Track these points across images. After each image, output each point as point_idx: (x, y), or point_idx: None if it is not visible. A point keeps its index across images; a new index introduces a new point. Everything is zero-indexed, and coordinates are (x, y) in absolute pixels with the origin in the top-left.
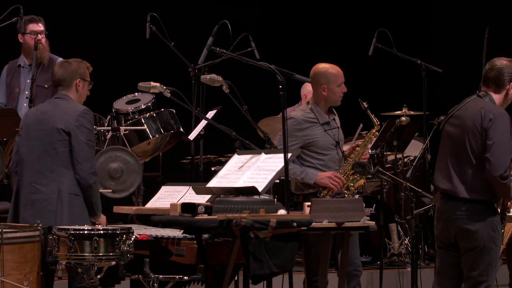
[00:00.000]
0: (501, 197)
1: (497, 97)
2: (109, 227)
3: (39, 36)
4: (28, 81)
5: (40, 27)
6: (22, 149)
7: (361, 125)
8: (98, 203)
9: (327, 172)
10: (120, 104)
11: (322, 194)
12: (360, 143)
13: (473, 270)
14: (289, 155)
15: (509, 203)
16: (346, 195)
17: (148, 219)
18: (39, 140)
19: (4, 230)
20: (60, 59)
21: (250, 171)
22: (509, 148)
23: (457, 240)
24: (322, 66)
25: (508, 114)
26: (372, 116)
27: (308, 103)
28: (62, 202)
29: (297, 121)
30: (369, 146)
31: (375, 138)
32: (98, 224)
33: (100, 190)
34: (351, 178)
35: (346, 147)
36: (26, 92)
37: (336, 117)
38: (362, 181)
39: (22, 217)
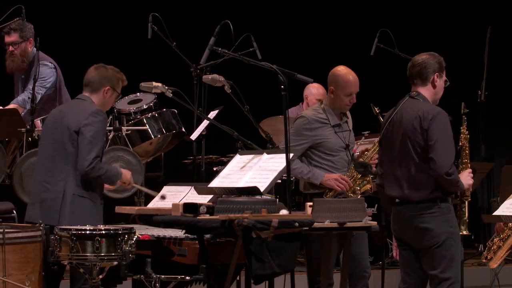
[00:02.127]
0: (451, 191)
1: (427, 93)
2: (111, 227)
3: (11, 48)
4: (22, 88)
5: (11, 37)
6: (39, 148)
7: None
8: (111, 178)
9: (334, 174)
10: (122, 104)
11: (328, 195)
12: (369, 147)
13: (435, 268)
14: (291, 155)
15: (465, 191)
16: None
17: (150, 219)
18: (53, 139)
19: (6, 230)
20: (45, 61)
21: (252, 171)
22: (451, 145)
23: (414, 241)
24: (339, 69)
25: (447, 111)
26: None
27: (321, 103)
28: (65, 203)
29: (307, 121)
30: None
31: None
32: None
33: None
34: (358, 182)
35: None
36: None
37: (349, 120)
38: (368, 186)
39: (28, 215)
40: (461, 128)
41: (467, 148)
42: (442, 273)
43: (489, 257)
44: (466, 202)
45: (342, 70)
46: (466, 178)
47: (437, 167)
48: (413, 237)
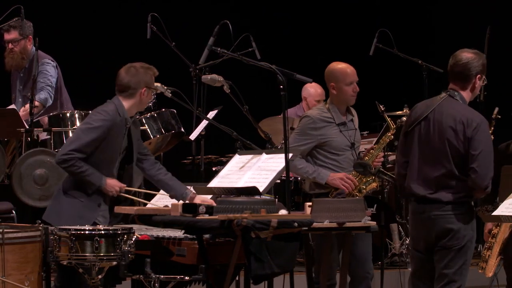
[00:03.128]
0: (477, 197)
1: (466, 93)
2: (110, 227)
3: (10, 45)
4: (21, 87)
5: (11, 35)
6: None
7: None
8: (87, 183)
9: (339, 173)
10: None
11: (333, 195)
12: (375, 145)
13: (448, 268)
14: (290, 155)
15: None
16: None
17: (150, 219)
18: None
19: (5, 230)
20: (47, 59)
21: (251, 171)
22: (492, 157)
23: (436, 240)
24: (333, 65)
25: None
26: (389, 119)
27: (325, 102)
28: (55, 201)
29: (312, 120)
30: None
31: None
32: (111, 190)
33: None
34: (363, 181)
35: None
36: (20, 100)
37: (355, 118)
38: (374, 184)
39: None
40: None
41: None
42: (454, 274)
43: (483, 266)
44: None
45: (336, 64)
46: None
47: (478, 179)
48: (436, 236)
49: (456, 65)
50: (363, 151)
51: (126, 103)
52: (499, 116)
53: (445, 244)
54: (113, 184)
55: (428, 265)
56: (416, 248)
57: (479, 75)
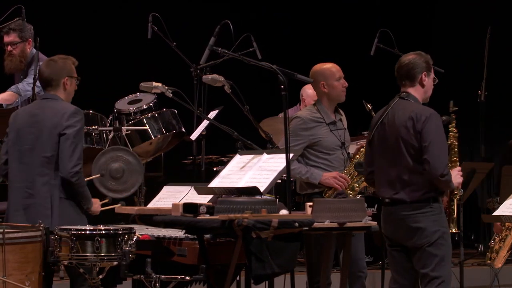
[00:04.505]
0: (443, 190)
1: (416, 93)
2: (111, 227)
3: (9, 48)
4: None
5: (10, 37)
6: (12, 153)
7: None
8: (84, 198)
9: (332, 173)
10: (122, 104)
11: (327, 194)
12: (365, 144)
13: (426, 267)
14: (291, 155)
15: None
16: (351, 196)
17: (150, 219)
18: (31, 144)
19: (6, 230)
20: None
21: (252, 171)
22: (444, 146)
23: (406, 240)
24: (318, 65)
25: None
26: None
27: (314, 104)
28: (54, 207)
29: (303, 121)
30: None
31: None
32: (96, 211)
33: (89, 178)
34: (356, 179)
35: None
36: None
37: (343, 118)
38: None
39: (13, 222)
40: (449, 126)
41: (456, 147)
42: (433, 271)
43: (492, 257)
44: (455, 200)
45: (321, 64)
46: (455, 176)
47: (431, 169)
48: (405, 236)
49: (400, 67)
50: (353, 151)
51: (60, 95)
52: (456, 108)
53: (415, 244)
54: (97, 205)
55: (405, 260)
56: (390, 244)
57: (424, 72)
